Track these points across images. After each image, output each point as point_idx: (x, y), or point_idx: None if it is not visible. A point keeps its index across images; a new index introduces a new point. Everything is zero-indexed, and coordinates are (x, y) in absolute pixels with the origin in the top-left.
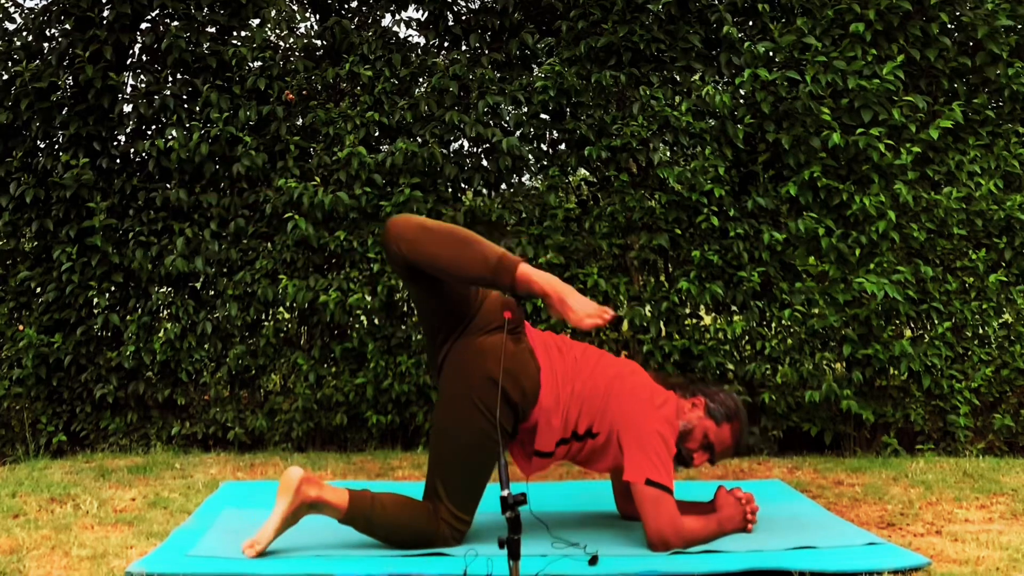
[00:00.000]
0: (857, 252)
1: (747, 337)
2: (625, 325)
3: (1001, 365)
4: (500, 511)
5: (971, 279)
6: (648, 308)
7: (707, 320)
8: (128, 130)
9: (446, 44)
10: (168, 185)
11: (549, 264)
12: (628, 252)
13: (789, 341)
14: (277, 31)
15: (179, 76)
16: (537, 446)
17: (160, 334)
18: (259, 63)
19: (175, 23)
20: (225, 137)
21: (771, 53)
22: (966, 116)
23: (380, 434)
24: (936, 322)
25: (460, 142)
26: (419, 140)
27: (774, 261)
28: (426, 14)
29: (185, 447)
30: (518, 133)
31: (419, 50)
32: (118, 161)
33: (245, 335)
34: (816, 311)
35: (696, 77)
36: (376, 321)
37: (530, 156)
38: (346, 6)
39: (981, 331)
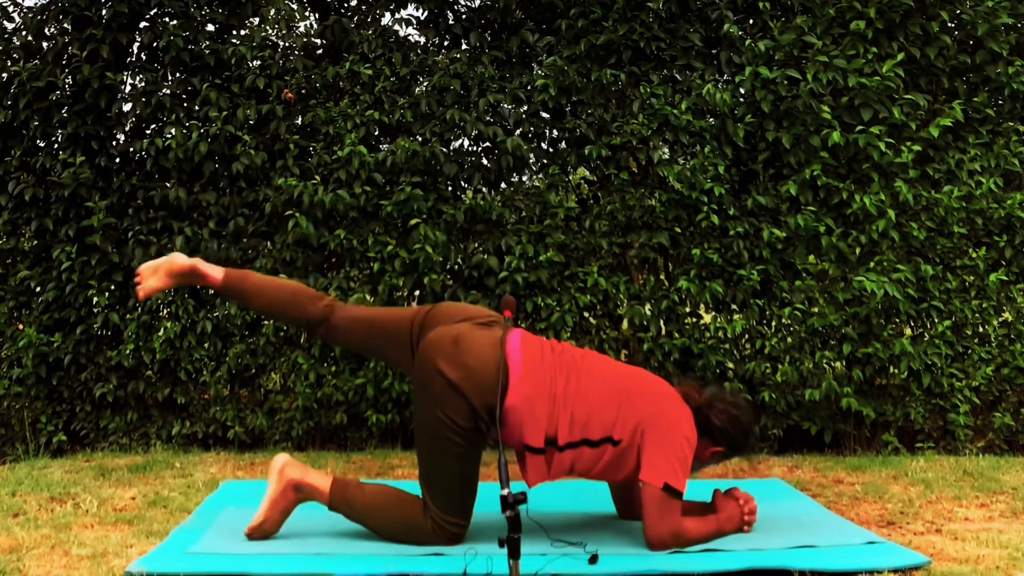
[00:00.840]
0: (857, 251)
1: (747, 336)
2: (625, 324)
3: (1001, 364)
4: (500, 510)
5: (971, 278)
6: (648, 307)
7: (707, 319)
8: (127, 129)
9: (446, 43)
10: (167, 184)
11: (549, 262)
12: (628, 251)
13: (789, 340)
14: (276, 30)
15: (178, 75)
16: (526, 440)
17: (160, 333)
18: (258, 62)
19: (174, 22)
20: (224, 136)
21: (771, 51)
22: (966, 114)
23: (380, 433)
24: (936, 321)
25: (460, 141)
26: (419, 139)
27: (774, 260)
28: (426, 13)
29: (185, 446)
30: (518, 132)
31: (419, 49)
32: (117, 160)
33: (245, 334)
34: (816, 310)
35: (696, 75)
36: None
37: (531, 155)
38: (346, 5)
39: (981, 330)
